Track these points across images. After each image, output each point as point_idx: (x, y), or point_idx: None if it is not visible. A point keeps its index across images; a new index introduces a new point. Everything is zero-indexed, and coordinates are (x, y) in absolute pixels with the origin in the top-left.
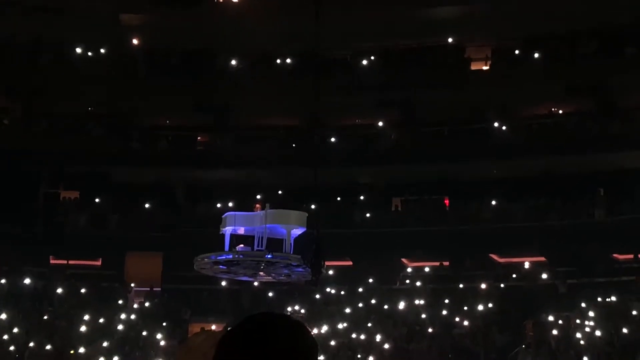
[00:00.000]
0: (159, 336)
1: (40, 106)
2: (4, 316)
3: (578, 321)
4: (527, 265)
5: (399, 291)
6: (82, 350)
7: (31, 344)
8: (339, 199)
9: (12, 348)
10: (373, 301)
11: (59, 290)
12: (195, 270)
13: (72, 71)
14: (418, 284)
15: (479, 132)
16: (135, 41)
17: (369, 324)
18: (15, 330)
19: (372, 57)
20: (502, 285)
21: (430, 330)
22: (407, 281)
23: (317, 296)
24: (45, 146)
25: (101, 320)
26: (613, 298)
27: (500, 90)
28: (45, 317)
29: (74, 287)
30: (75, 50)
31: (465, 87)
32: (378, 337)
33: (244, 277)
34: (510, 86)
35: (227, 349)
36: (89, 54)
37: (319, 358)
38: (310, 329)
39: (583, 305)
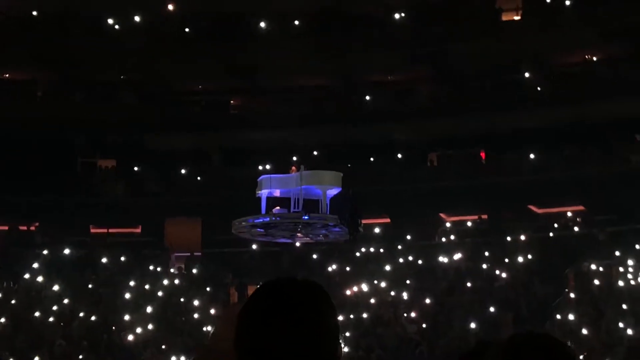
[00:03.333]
0: (201, 301)
1: (75, 75)
2: (52, 286)
3: (620, 269)
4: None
5: (438, 246)
6: (127, 317)
7: (80, 314)
8: (374, 156)
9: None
10: (413, 257)
11: (101, 259)
12: (234, 233)
13: (104, 39)
14: (457, 237)
15: (512, 83)
16: (165, 7)
17: (409, 281)
18: (64, 300)
19: (403, 12)
20: (545, 235)
21: (471, 284)
22: (450, 236)
23: (357, 254)
24: (81, 115)
25: (144, 287)
26: None
27: (532, 40)
28: (90, 286)
29: (115, 254)
30: (107, 18)
31: (497, 38)
32: (419, 293)
33: (282, 239)
34: (542, 35)
35: (247, 321)
36: (121, 21)
37: (341, 318)
38: (346, 288)
39: (624, 252)
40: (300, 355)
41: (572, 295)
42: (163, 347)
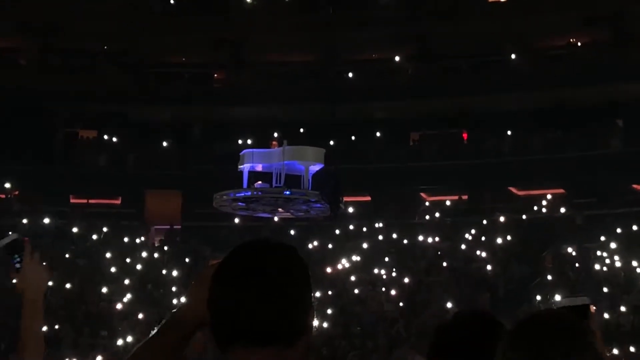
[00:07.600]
0: (179, 273)
1: (57, 45)
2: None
3: (598, 252)
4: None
5: (418, 225)
6: (104, 289)
7: (57, 284)
8: (356, 134)
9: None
10: (392, 236)
11: (80, 229)
12: (214, 207)
13: (87, 9)
14: (437, 217)
15: (496, 64)
16: None
17: (388, 259)
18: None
19: None
20: (524, 217)
21: (449, 263)
22: (427, 216)
23: (337, 232)
24: (63, 85)
25: (122, 259)
26: (634, 228)
27: (517, 22)
28: (67, 256)
29: (94, 225)
30: None
31: (482, 18)
32: (398, 271)
33: (263, 214)
34: (527, 17)
35: (220, 281)
36: None
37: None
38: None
39: (602, 236)
40: (271, 318)
41: (549, 277)
42: (140, 317)
